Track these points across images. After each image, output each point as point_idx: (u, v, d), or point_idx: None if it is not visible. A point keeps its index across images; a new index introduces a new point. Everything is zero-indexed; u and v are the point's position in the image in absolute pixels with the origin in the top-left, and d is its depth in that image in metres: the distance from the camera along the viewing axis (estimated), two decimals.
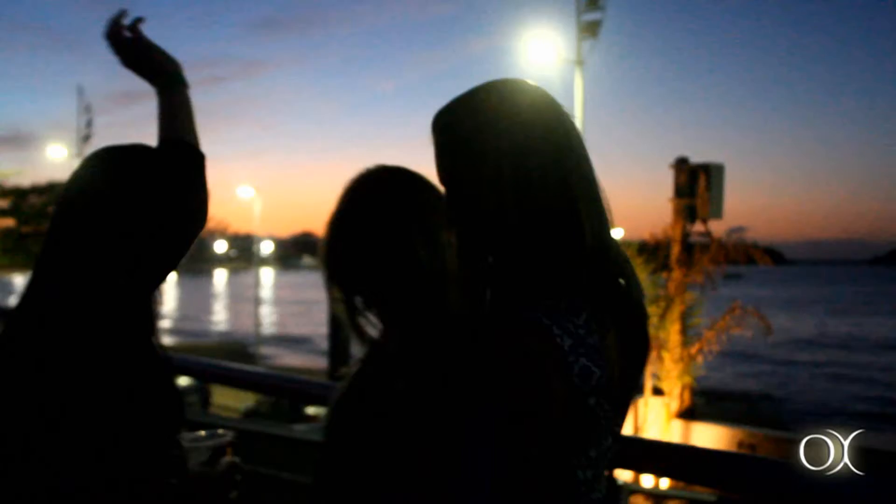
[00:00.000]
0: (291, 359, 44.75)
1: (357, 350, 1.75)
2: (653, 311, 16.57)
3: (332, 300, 1.73)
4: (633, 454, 1.93)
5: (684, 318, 16.60)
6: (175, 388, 2.09)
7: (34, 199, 42.13)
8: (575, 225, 1.48)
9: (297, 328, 61.62)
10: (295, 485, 4.41)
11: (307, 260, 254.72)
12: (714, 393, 27.57)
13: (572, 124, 1.57)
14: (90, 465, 1.76)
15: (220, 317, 76.12)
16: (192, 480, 1.95)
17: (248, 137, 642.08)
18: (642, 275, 16.69)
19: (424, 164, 1.68)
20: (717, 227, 17.24)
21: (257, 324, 42.79)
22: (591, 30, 18.21)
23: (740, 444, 15.65)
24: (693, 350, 16.46)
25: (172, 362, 2.07)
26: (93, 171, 1.92)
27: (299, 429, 11.26)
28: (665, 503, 13.55)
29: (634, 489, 12.00)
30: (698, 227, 17.16)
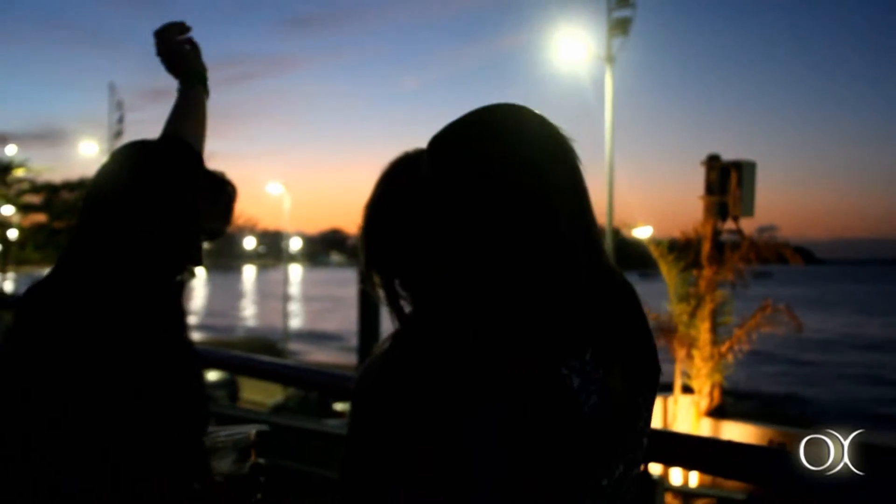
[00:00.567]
0: (320, 355, 44.85)
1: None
2: (683, 308, 16.51)
3: (371, 285, 1.74)
4: (663, 447, 1.93)
5: (714, 316, 16.51)
6: (201, 387, 2.10)
7: (66, 195, 42.43)
8: (571, 260, 1.45)
9: (325, 324, 61.78)
10: (327, 480, 4.43)
11: (335, 257, 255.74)
12: (739, 393, 27.39)
13: (574, 154, 1.50)
14: (95, 463, 1.78)
15: (248, 313, 76.50)
16: (215, 484, 1.95)
17: (277, 134, 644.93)
18: (672, 272, 16.63)
19: None
20: (748, 225, 17.13)
21: (286, 320, 43.01)
22: (621, 27, 18.16)
23: (770, 443, 15.54)
24: (723, 348, 16.37)
25: (203, 358, 2.10)
26: (117, 165, 1.97)
27: (330, 423, 11.30)
28: (694, 501, 13.49)
29: (665, 487, 11.93)
30: (729, 224, 17.05)
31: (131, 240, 1.90)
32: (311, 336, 55.44)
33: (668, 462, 1.97)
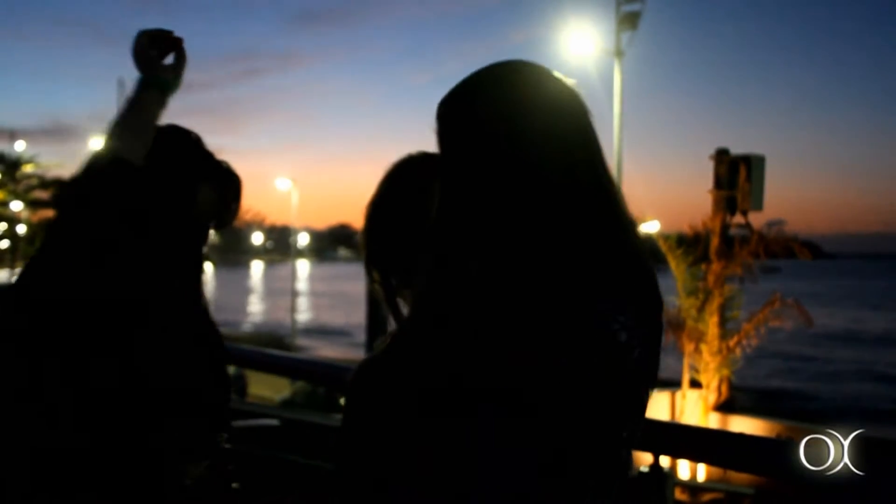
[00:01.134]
0: (328, 350, 44.86)
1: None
2: (691, 303, 16.49)
3: (371, 281, 1.77)
4: (671, 439, 1.93)
5: (723, 310, 16.48)
6: (224, 375, 2.13)
7: None
8: (611, 216, 1.45)
9: (333, 320, 61.84)
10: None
11: (343, 252, 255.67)
12: (746, 388, 27.33)
13: (585, 109, 1.50)
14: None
15: (256, 308, 76.66)
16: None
17: (285, 129, 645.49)
18: (681, 267, 16.61)
19: None
20: (757, 220, 17.07)
21: (293, 315, 43.06)
22: (630, 21, 18.13)
23: (778, 438, 15.51)
24: (731, 343, 16.34)
25: (227, 350, 2.13)
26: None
27: (338, 418, 11.29)
28: (702, 495, 13.50)
29: (674, 481, 11.92)
30: (738, 219, 17.00)
31: (125, 220, 1.92)
32: (319, 331, 55.49)
33: (676, 454, 1.98)
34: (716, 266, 16.53)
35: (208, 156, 2.12)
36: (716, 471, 13.57)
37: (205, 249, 2.13)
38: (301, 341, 44.37)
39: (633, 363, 1.37)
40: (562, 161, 1.42)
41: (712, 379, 16.33)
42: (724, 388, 16.56)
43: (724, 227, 16.96)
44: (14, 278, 1.90)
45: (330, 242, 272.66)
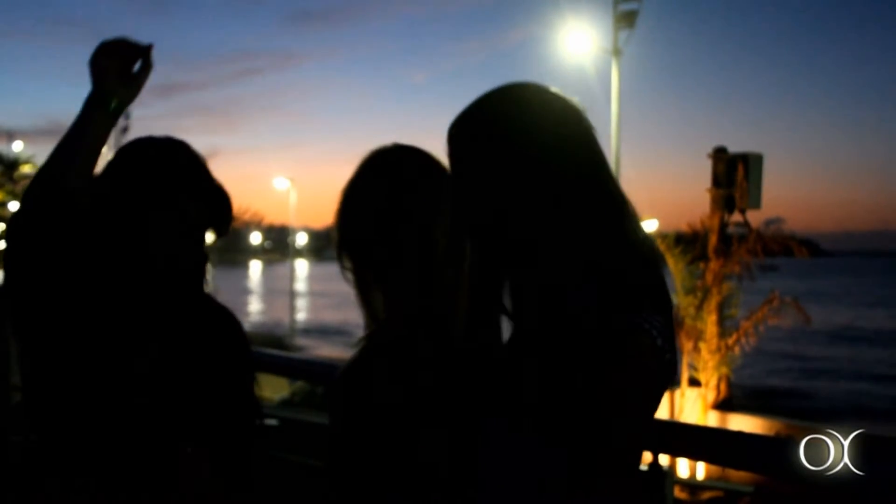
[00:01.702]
0: (327, 350, 44.76)
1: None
2: (690, 301, 16.50)
3: (342, 267, 1.78)
4: (670, 437, 1.93)
5: (721, 308, 16.50)
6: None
7: None
8: (622, 225, 1.50)
9: (332, 319, 61.78)
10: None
11: None
12: (744, 387, 27.34)
13: (593, 130, 1.55)
14: None
15: (254, 308, 76.61)
16: None
17: (283, 129, 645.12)
18: (679, 265, 16.62)
19: None
20: (755, 218, 17.10)
21: (292, 315, 43.05)
22: (627, 19, 18.11)
23: (778, 436, 15.53)
24: (730, 341, 16.36)
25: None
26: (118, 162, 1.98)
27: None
28: (701, 494, 13.50)
29: (673, 480, 11.93)
30: (736, 217, 17.02)
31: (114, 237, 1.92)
32: (318, 331, 55.41)
33: (675, 452, 1.97)
34: (714, 264, 16.55)
35: (188, 172, 1.99)
36: (715, 469, 13.58)
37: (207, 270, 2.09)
38: (300, 341, 44.31)
39: (667, 365, 1.41)
40: (575, 168, 1.46)
41: (711, 377, 16.35)
42: (723, 387, 16.58)
43: (723, 226, 16.98)
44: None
45: (328, 242, 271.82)
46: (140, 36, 2.02)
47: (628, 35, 18.22)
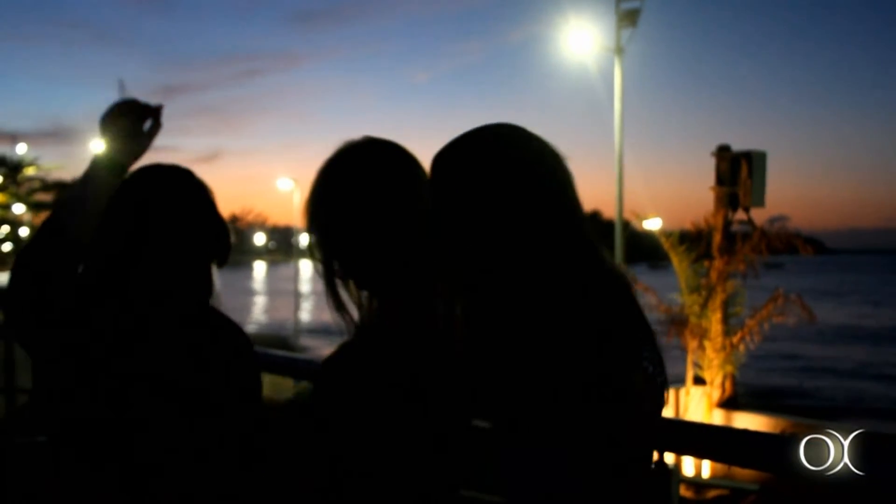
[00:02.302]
0: (332, 350, 44.69)
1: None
2: (694, 300, 16.48)
3: (312, 258, 1.80)
4: (675, 436, 1.93)
5: (726, 306, 16.47)
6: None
7: None
8: (596, 253, 1.54)
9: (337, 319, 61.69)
10: None
11: None
12: (749, 385, 27.31)
13: (568, 170, 1.58)
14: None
15: (259, 308, 76.65)
16: None
17: (286, 129, 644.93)
18: (683, 264, 16.61)
19: None
20: (759, 216, 17.07)
21: (297, 315, 43.05)
22: (629, 18, 18.10)
23: (783, 434, 15.49)
24: (735, 339, 16.33)
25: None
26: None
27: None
28: (707, 492, 13.49)
29: (679, 478, 11.93)
30: (740, 215, 16.99)
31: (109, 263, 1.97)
32: (323, 331, 55.38)
33: (681, 451, 1.97)
34: (718, 263, 16.52)
35: (194, 202, 2.05)
36: (720, 467, 13.57)
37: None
38: (305, 341, 44.30)
39: (659, 388, 1.45)
40: (551, 195, 1.51)
41: (716, 376, 16.32)
42: (728, 385, 16.56)
43: (727, 224, 16.95)
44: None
45: None
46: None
47: (631, 33, 18.22)
